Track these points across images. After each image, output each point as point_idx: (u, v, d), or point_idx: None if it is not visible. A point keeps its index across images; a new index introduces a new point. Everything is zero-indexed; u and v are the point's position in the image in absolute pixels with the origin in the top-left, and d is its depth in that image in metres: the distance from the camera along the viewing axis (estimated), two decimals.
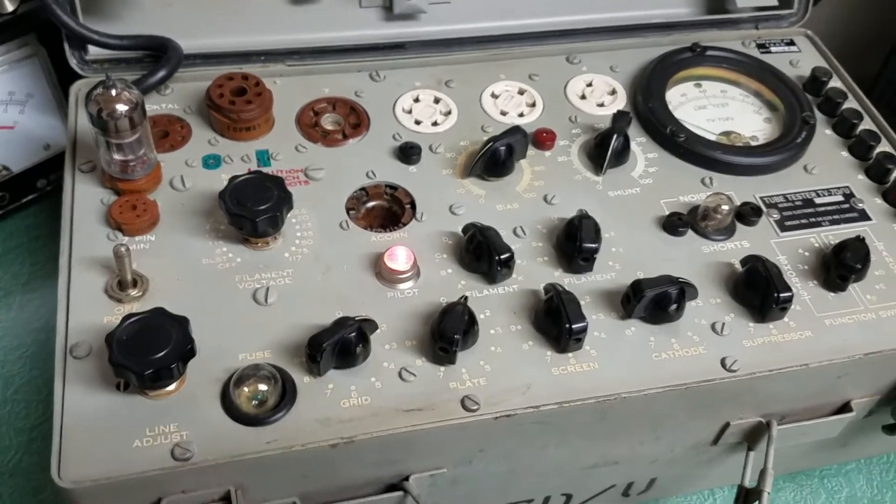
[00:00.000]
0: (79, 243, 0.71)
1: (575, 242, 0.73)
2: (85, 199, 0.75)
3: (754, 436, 0.77)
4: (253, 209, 0.69)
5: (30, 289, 0.97)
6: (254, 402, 0.63)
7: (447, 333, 0.65)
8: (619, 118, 0.83)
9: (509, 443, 0.68)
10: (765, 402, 0.74)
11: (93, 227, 0.73)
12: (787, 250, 0.79)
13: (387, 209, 0.81)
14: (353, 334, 0.64)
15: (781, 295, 0.71)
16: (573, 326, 0.67)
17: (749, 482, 0.75)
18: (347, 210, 0.78)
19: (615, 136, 0.82)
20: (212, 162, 0.79)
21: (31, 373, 0.90)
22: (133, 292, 0.68)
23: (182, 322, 0.61)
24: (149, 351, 0.59)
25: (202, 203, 0.75)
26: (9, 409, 0.88)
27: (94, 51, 0.86)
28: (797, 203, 0.84)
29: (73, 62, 0.85)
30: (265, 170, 0.79)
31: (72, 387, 0.63)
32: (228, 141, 0.81)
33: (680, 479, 0.85)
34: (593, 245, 0.73)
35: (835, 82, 0.96)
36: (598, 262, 0.75)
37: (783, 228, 0.81)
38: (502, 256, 0.71)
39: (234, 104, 0.79)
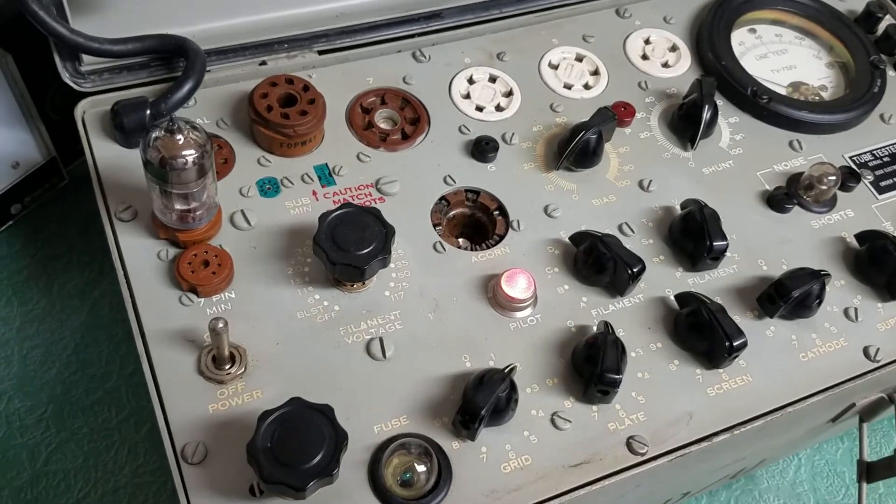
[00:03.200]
0: (148, 317, 0.60)
1: (702, 240, 0.67)
2: (137, 257, 0.62)
3: (873, 410, 0.74)
4: (358, 254, 0.59)
5: (26, 335, 0.84)
6: (408, 479, 0.55)
7: (609, 374, 0.58)
8: (706, 86, 0.76)
9: (667, 473, 0.63)
10: (892, 380, 0.71)
11: (158, 291, 0.61)
12: (891, 215, 0.75)
13: (469, 217, 0.72)
14: (506, 391, 0.57)
15: None
16: (734, 344, 0.61)
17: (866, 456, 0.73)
18: (434, 227, 0.69)
19: (706, 107, 0.74)
20: (269, 188, 0.68)
21: (59, 437, 0.79)
22: (233, 369, 0.58)
23: (326, 412, 0.52)
24: (302, 456, 0.50)
25: (274, 241, 0.65)
26: (44, 484, 0.76)
27: (89, 58, 0.71)
28: (885, 159, 0.79)
29: (65, 76, 0.70)
30: (332, 188, 0.69)
31: (197, 499, 0.53)
32: (280, 158, 0.70)
33: (784, 452, 0.83)
34: (724, 243, 0.67)
35: (889, 19, 0.91)
36: None
37: (880, 190, 0.77)
38: (635, 269, 0.64)
39: (288, 117, 0.67)
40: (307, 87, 0.69)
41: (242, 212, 0.65)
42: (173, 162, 0.56)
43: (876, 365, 0.66)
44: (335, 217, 0.61)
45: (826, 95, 0.84)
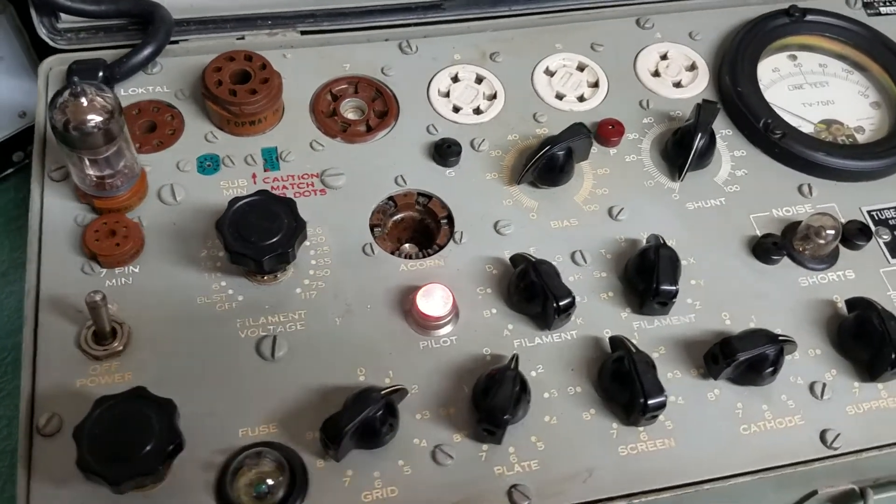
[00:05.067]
0: (48, 279, 0.59)
1: (650, 282, 0.60)
2: (56, 217, 0.62)
3: (843, 501, 0.65)
4: (258, 245, 0.56)
5: (8, 280, 0.85)
6: (255, 493, 0.52)
7: (496, 414, 0.53)
8: (705, 110, 0.68)
9: None
10: (863, 471, 0.62)
11: (65, 256, 0.60)
12: None
13: (418, 222, 0.68)
14: (380, 413, 0.52)
15: None
16: (649, 402, 0.54)
17: None
18: (372, 227, 0.65)
19: (699, 135, 0.67)
20: (209, 164, 0.66)
21: (13, 384, 0.80)
22: (112, 345, 0.56)
23: (167, 409, 0.49)
24: (126, 451, 0.47)
25: (197, 221, 0.62)
26: None
27: (68, 17, 0.71)
28: None
29: (41, 31, 0.71)
30: (273, 174, 0.66)
31: (39, 475, 0.52)
32: (229, 136, 0.68)
33: None
34: (672, 287, 0.60)
35: None
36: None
37: (895, 253, 0.67)
38: (562, 303, 0.58)
39: (236, 94, 0.65)
40: (265, 66, 0.67)
41: (172, 186, 0.64)
42: (78, 126, 0.55)
43: (831, 453, 0.57)
44: (245, 203, 0.58)
45: (861, 138, 0.74)
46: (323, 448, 0.53)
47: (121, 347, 0.56)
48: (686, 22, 0.79)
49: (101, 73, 0.66)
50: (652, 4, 0.80)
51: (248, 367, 0.57)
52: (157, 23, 0.69)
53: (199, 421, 0.54)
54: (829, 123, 0.75)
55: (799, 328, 0.62)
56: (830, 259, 0.66)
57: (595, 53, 0.76)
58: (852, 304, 0.62)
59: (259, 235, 0.56)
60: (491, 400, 0.53)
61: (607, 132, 0.70)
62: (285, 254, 0.56)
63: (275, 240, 0.56)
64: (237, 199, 0.58)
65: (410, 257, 0.64)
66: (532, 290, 0.59)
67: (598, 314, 0.62)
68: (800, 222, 0.66)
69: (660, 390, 0.55)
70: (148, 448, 0.47)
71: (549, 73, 0.75)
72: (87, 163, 0.58)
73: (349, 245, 0.63)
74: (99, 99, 0.55)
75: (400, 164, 0.68)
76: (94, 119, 0.55)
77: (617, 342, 0.58)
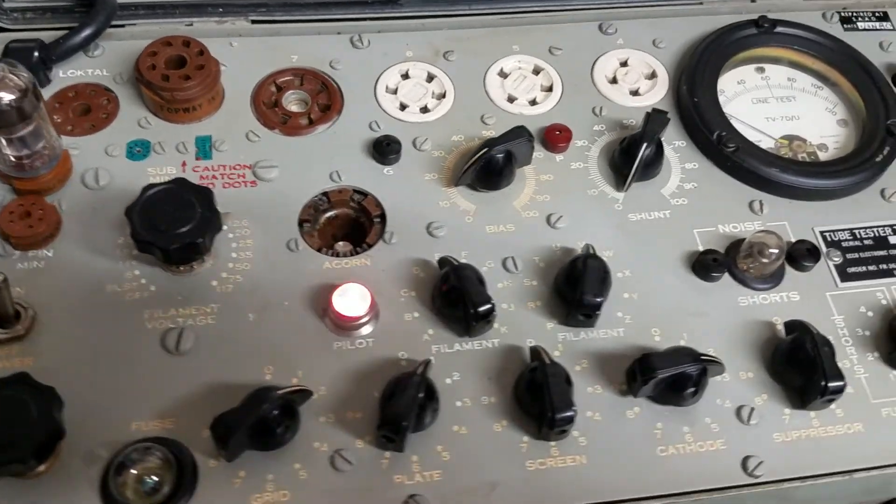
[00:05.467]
0: None
1: (575, 292, 0.58)
2: None
3: None
4: (166, 234, 0.55)
5: None
6: (144, 488, 0.50)
7: (392, 419, 0.51)
8: (653, 120, 0.66)
9: None
10: (789, 502, 0.59)
11: None
12: (846, 307, 0.63)
13: (353, 219, 0.66)
14: (275, 412, 0.51)
15: (830, 385, 0.55)
16: (556, 417, 0.52)
17: None
18: (301, 223, 0.63)
19: (645, 144, 0.65)
20: (138, 150, 0.65)
21: None
22: (16, 328, 0.55)
23: (47, 397, 0.48)
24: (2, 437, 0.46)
25: (119, 207, 0.60)
26: None
27: None
28: (867, 242, 0.66)
29: None
30: (205, 163, 0.65)
31: None
32: (163, 122, 0.66)
33: None
34: (597, 300, 0.57)
35: None
36: (604, 312, 0.59)
37: (844, 277, 0.64)
38: (479, 310, 0.56)
39: (169, 79, 0.64)
40: (202, 52, 0.66)
41: (96, 171, 0.62)
42: None
43: (751, 481, 0.55)
44: (159, 191, 0.56)
45: (824, 156, 0.71)
46: (216, 447, 0.52)
47: (23, 331, 0.55)
48: (651, 29, 0.76)
49: (36, 54, 0.65)
50: (617, 9, 0.77)
51: (150, 359, 0.55)
52: (99, 5, 0.68)
53: (93, 412, 0.53)
54: (791, 139, 0.72)
55: (733, 349, 0.60)
56: (774, 279, 0.63)
57: (552, 57, 0.74)
58: (790, 326, 0.60)
59: (169, 224, 0.55)
60: (392, 406, 0.52)
61: (554, 137, 0.68)
62: (194, 245, 0.55)
63: (184, 230, 0.55)
64: (151, 185, 0.57)
65: (342, 255, 0.62)
66: (453, 294, 0.58)
67: (524, 323, 0.60)
68: (745, 239, 0.63)
69: (568, 405, 0.53)
70: (20, 436, 0.46)
71: (503, 74, 0.73)
72: (4, 142, 0.57)
73: (273, 239, 0.61)
74: (12, 77, 0.54)
75: (337, 160, 0.66)
76: (6, 97, 0.54)
77: (534, 353, 0.56)
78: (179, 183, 0.57)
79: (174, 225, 0.55)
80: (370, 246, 0.63)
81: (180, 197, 0.56)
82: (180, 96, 0.64)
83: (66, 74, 0.68)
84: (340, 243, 0.65)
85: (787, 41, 0.76)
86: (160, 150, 0.65)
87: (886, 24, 0.81)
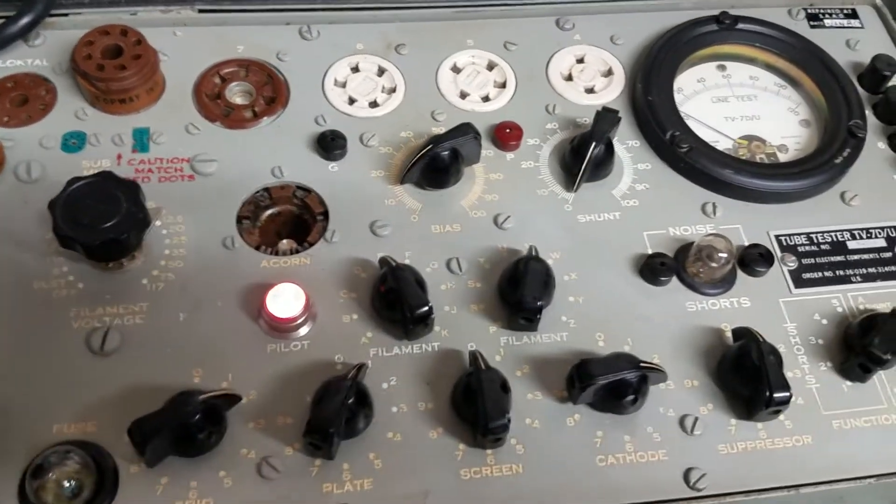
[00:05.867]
0: None
1: (517, 295, 0.56)
2: None
3: None
4: (89, 230, 0.53)
5: None
6: (64, 493, 0.48)
7: (319, 426, 0.49)
8: (602, 119, 0.64)
9: None
10: None
11: None
12: (798, 314, 0.61)
13: (296, 216, 0.64)
14: (198, 417, 0.49)
15: (775, 395, 0.54)
16: (489, 425, 0.51)
17: None
18: (240, 219, 0.61)
19: (594, 144, 0.63)
20: (73, 143, 0.63)
21: None
22: None
23: None
24: None
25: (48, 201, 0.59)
26: None
27: None
28: (824, 247, 0.65)
29: None
30: (141, 156, 0.63)
31: None
32: (101, 114, 0.64)
33: None
34: (537, 304, 0.56)
35: None
36: (547, 316, 0.58)
37: (799, 283, 0.63)
38: (416, 313, 0.55)
39: (104, 69, 0.62)
40: (139, 42, 0.63)
41: (29, 163, 0.61)
42: None
43: (693, 494, 0.53)
44: (84, 185, 0.54)
45: (783, 157, 0.70)
46: (135, 452, 0.50)
47: None
48: (609, 25, 0.75)
49: None
50: (575, 4, 0.76)
51: (74, 359, 0.54)
52: None
53: (13, 412, 0.51)
54: (750, 140, 0.71)
55: (678, 356, 0.58)
56: (725, 284, 0.62)
57: (507, 52, 0.72)
58: (737, 334, 0.58)
59: (92, 219, 0.53)
60: (319, 410, 0.50)
61: (504, 136, 0.66)
62: (118, 241, 0.53)
63: (107, 225, 0.53)
64: (75, 178, 0.55)
65: (281, 254, 0.60)
66: (391, 296, 0.56)
67: (466, 326, 0.58)
68: (692, 243, 0.62)
69: (502, 412, 0.51)
70: None
71: (456, 69, 0.71)
72: None
73: (208, 236, 0.60)
74: None
75: (280, 155, 0.64)
76: None
77: (472, 358, 0.55)
78: (105, 177, 0.55)
79: (98, 220, 0.53)
80: (311, 244, 0.61)
81: (106, 191, 0.54)
82: (115, 87, 0.62)
83: (5, 64, 0.66)
84: (284, 241, 0.64)
85: (750, 38, 0.74)
86: (95, 142, 0.63)
87: (854, 22, 0.79)
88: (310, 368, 0.55)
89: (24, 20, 0.65)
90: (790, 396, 0.54)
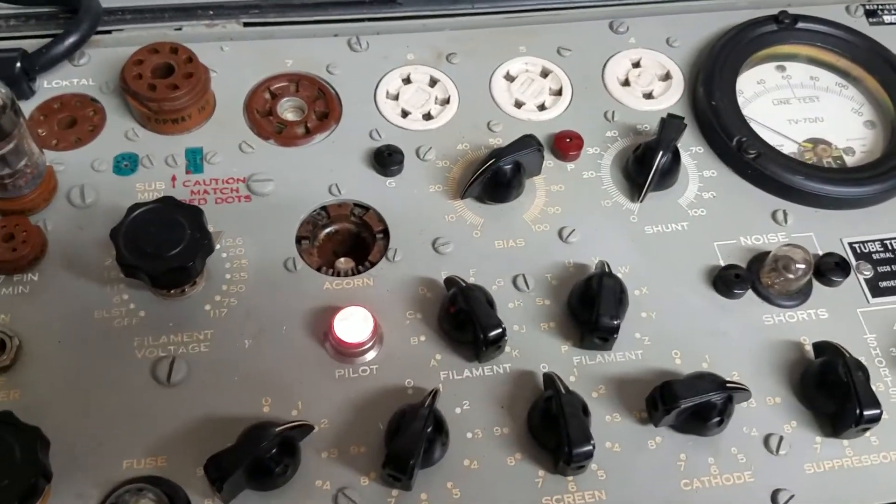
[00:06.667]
0: None
1: (590, 314, 0.54)
2: None
3: None
4: (154, 258, 0.51)
5: None
6: None
7: (400, 458, 0.48)
8: (668, 126, 0.62)
9: None
10: None
11: None
12: (878, 325, 0.59)
13: (355, 235, 0.63)
14: (274, 451, 0.47)
15: (866, 413, 0.52)
16: (574, 452, 0.49)
17: None
18: (299, 240, 0.60)
19: (661, 153, 0.61)
20: (126, 165, 0.61)
21: None
22: (0, 359, 0.51)
23: (32, 438, 0.45)
24: None
25: (106, 226, 0.57)
26: None
27: None
28: None
29: None
30: (195, 177, 0.61)
31: None
32: (152, 134, 0.63)
33: None
34: (614, 322, 0.54)
35: None
36: (621, 333, 0.56)
37: (876, 292, 0.61)
38: (490, 335, 0.53)
39: (156, 89, 0.60)
40: (191, 59, 0.62)
41: (82, 187, 0.59)
42: None
43: None
44: (145, 211, 0.53)
45: (850, 161, 0.68)
46: (210, 487, 0.48)
47: (8, 362, 0.52)
48: (664, 26, 0.73)
49: (18, 65, 0.61)
50: (628, 6, 0.74)
51: (141, 391, 0.52)
52: (83, 11, 0.64)
53: (83, 449, 0.50)
54: (815, 143, 0.68)
55: (758, 372, 0.56)
56: (801, 296, 0.60)
57: (561, 58, 0.70)
58: (819, 348, 0.56)
59: (157, 247, 0.51)
60: (398, 442, 0.48)
61: (564, 146, 0.64)
62: (184, 268, 0.51)
63: (173, 253, 0.51)
64: (137, 205, 0.53)
65: (342, 274, 0.59)
66: (461, 317, 0.54)
67: (537, 346, 0.56)
68: (769, 253, 0.60)
69: (586, 438, 0.49)
70: (3, 482, 0.43)
71: (510, 78, 0.69)
72: None
73: (270, 259, 0.58)
74: None
75: (336, 172, 0.62)
76: None
77: (548, 380, 0.53)
78: (167, 202, 0.53)
79: (162, 248, 0.51)
80: (373, 264, 0.59)
81: (168, 217, 0.53)
82: (168, 107, 0.60)
83: (51, 85, 0.65)
84: (342, 260, 0.62)
85: (809, 37, 0.72)
86: (148, 163, 0.61)
87: None
88: (380, 394, 0.54)
89: (71, 39, 0.63)
90: (881, 413, 0.52)
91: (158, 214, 0.53)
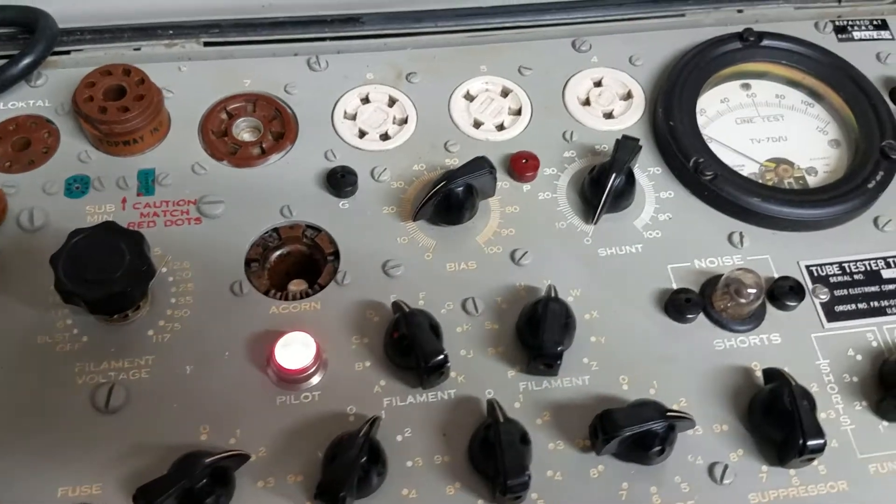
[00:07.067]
0: None
1: (535, 339, 0.54)
2: None
3: None
4: (91, 284, 0.51)
5: None
6: None
7: (331, 488, 0.47)
8: (622, 147, 0.61)
9: None
10: None
11: None
12: (832, 350, 0.58)
13: (307, 257, 0.62)
14: (203, 482, 0.47)
15: (809, 443, 0.51)
16: (508, 483, 0.48)
17: None
18: (248, 262, 0.59)
19: (614, 175, 0.60)
20: (77, 187, 0.61)
21: None
22: None
23: None
24: None
25: (53, 250, 0.57)
26: None
27: None
28: (857, 277, 0.62)
29: None
30: (146, 199, 0.61)
31: None
32: (105, 156, 0.63)
33: None
34: (557, 349, 0.53)
35: None
36: (568, 358, 0.56)
37: (832, 316, 0.60)
38: (430, 363, 0.52)
39: (106, 111, 0.60)
40: (143, 81, 0.62)
41: (32, 210, 0.59)
42: None
43: None
44: (85, 237, 0.53)
45: (813, 181, 0.67)
46: None
47: None
48: (628, 45, 0.72)
49: None
50: (592, 24, 0.73)
51: (79, 418, 0.52)
52: (39, 32, 0.64)
53: (18, 476, 0.50)
54: (777, 163, 0.68)
55: (706, 398, 0.55)
56: (754, 320, 0.59)
57: (522, 77, 0.70)
58: (769, 374, 0.55)
59: (95, 273, 0.51)
60: (329, 471, 0.48)
61: (520, 167, 0.64)
62: (121, 295, 0.51)
63: (109, 279, 0.51)
64: (77, 231, 0.53)
65: (294, 297, 0.58)
66: (405, 343, 0.54)
67: (483, 372, 0.56)
68: (720, 276, 0.59)
69: (522, 469, 0.49)
70: None
71: (469, 97, 0.69)
72: None
73: (216, 282, 0.58)
74: None
75: (290, 193, 0.62)
76: None
77: (489, 408, 0.52)
78: (108, 227, 0.53)
79: (100, 274, 0.51)
80: (322, 287, 0.59)
81: (109, 243, 0.53)
82: (119, 129, 0.60)
83: (7, 106, 0.65)
84: (294, 282, 0.62)
85: (774, 55, 0.71)
86: (100, 185, 0.61)
87: (885, 34, 0.76)
88: (321, 421, 0.53)
89: (26, 60, 0.63)
90: (825, 444, 0.51)
91: (99, 240, 0.53)
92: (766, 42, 0.71)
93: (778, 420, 0.53)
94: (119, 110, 0.60)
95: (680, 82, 0.68)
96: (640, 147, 0.62)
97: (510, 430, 0.50)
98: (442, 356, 0.53)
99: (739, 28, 0.72)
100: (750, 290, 0.57)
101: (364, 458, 0.49)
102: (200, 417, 0.53)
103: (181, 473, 0.47)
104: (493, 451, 0.50)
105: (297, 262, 0.63)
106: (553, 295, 0.56)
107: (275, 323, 0.57)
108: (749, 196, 0.62)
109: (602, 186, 0.61)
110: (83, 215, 0.60)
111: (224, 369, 0.55)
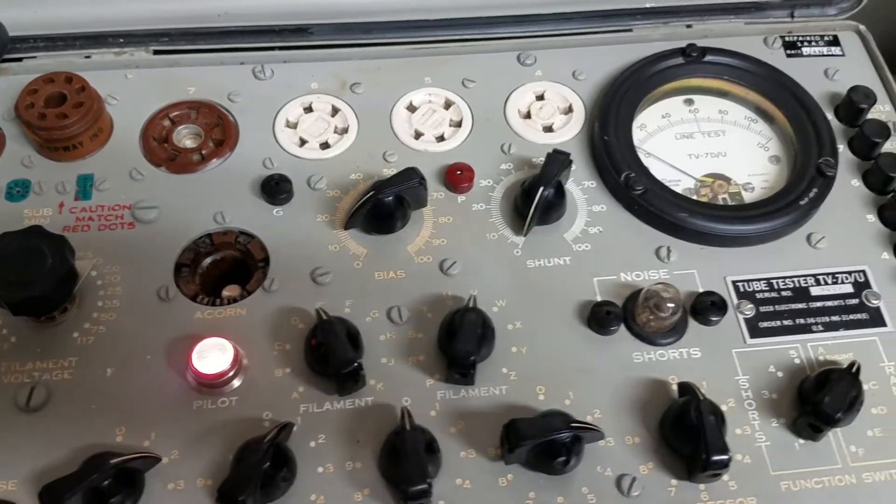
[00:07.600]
0: None
1: (450, 348, 0.55)
2: None
3: None
4: (10, 288, 0.52)
5: None
6: None
7: (229, 492, 0.48)
8: (553, 161, 0.62)
9: None
10: None
11: None
12: (752, 366, 0.58)
13: (240, 263, 0.63)
14: (107, 482, 0.48)
15: (713, 458, 0.51)
16: (409, 490, 0.49)
17: None
18: (179, 267, 0.61)
19: (542, 188, 0.61)
20: (18, 191, 0.63)
21: None
22: None
23: None
24: None
25: None
26: None
27: None
28: (784, 293, 0.62)
29: None
30: (83, 203, 0.62)
31: None
32: (47, 161, 0.64)
33: None
34: (470, 358, 0.54)
35: (879, 109, 0.71)
36: (488, 368, 0.56)
37: (755, 332, 0.60)
38: (343, 370, 0.53)
39: (45, 118, 0.62)
40: (84, 88, 0.63)
41: None
42: None
43: None
44: (12, 241, 0.54)
45: (748, 197, 0.67)
46: None
47: None
48: (572, 59, 0.72)
49: None
50: (540, 38, 0.74)
51: (1, 416, 0.53)
52: None
53: None
54: (714, 178, 0.68)
55: (620, 410, 0.56)
56: (675, 334, 0.59)
57: (465, 90, 0.70)
58: (682, 388, 0.56)
59: (16, 276, 0.53)
60: (231, 476, 0.49)
61: (455, 178, 0.65)
62: (42, 298, 0.53)
63: (31, 282, 0.52)
64: (4, 234, 0.54)
65: (217, 304, 0.59)
66: (322, 350, 0.55)
67: (402, 379, 0.57)
68: (641, 290, 0.59)
69: (421, 477, 0.49)
70: None
71: (412, 108, 0.70)
72: None
73: (144, 287, 0.59)
74: None
75: (224, 200, 0.63)
76: None
77: (401, 416, 0.53)
78: (33, 231, 0.54)
79: (21, 277, 0.53)
80: (249, 293, 0.60)
81: (33, 247, 0.54)
82: (57, 135, 0.62)
83: None
84: (228, 287, 0.63)
85: (717, 70, 0.72)
86: (39, 190, 0.63)
87: (835, 49, 0.76)
88: (236, 426, 0.54)
89: None
90: (729, 460, 0.51)
91: (24, 243, 0.54)
92: (708, 57, 0.72)
93: (686, 434, 0.53)
94: (58, 117, 0.62)
95: (618, 97, 0.68)
96: (571, 161, 0.63)
97: (415, 437, 0.51)
98: (354, 364, 0.53)
99: (684, 43, 0.72)
100: (669, 305, 0.57)
101: (268, 464, 0.49)
102: (118, 419, 0.54)
103: (87, 472, 0.48)
104: (399, 456, 0.50)
105: (230, 268, 0.64)
106: (472, 305, 0.56)
107: (199, 328, 0.58)
108: (677, 211, 0.63)
109: (532, 198, 0.61)
110: (21, 219, 0.61)
111: (144, 373, 0.56)
